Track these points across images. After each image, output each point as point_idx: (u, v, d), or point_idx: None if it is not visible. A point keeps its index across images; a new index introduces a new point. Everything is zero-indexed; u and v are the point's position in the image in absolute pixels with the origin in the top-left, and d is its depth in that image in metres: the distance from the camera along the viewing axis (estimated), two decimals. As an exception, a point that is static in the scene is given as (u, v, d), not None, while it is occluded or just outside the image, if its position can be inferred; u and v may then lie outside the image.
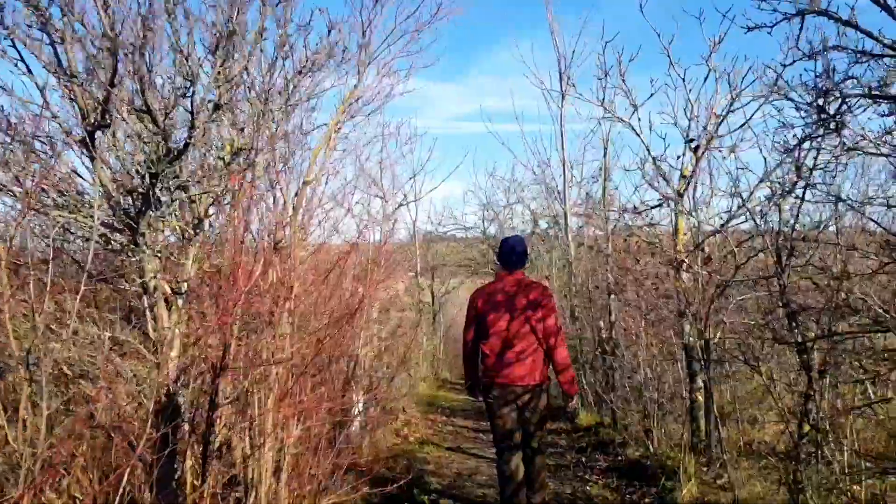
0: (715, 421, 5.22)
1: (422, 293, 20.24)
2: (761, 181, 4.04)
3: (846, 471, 4.00)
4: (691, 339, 5.71)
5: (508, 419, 4.35)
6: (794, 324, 3.64)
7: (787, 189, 3.84)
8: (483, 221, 20.02)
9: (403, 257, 18.96)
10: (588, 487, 5.85)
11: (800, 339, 3.37)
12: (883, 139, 3.10)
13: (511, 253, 4.50)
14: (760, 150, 4.16)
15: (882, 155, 3.10)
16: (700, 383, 5.67)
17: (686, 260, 5.34)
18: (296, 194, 4.42)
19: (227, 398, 3.76)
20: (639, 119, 6.02)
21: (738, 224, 5.38)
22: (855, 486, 4.03)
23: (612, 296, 7.80)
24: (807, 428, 3.51)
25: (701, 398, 5.63)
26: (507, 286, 4.43)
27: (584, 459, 6.89)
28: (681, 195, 5.74)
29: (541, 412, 4.38)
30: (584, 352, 9.27)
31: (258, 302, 3.91)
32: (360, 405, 8.02)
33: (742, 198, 4.20)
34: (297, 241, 4.56)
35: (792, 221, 3.80)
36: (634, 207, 6.31)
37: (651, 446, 6.31)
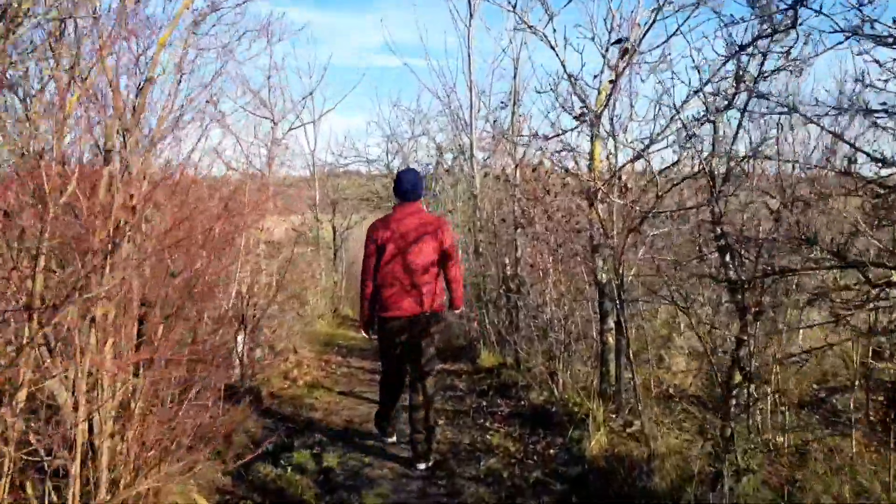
0: (627, 363, 4.78)
1: (322, 228, 19.25)
2: (695, 93, 3.45)
3: (769, 423, 3.61)
4: (605, 275, 5.22)
5: (399, 348, 4.57)
6: (728, 259, 3.15)
7: (725, 101, 3.28)
8: (387, 154, 19.13)
9: (300, 191, 17.95)
10: (489, 437, 5.35)
11: (742, 277, 2.85)
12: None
13: (407, 184, 4.62)
14: (693, 60, 3.55)
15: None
16: (611, 324, 5.21)
17: (602, 189, 4.78)
18: (137, 94, 3.51)
19: (39, 342, 2.93)
20: (554, 30, 5.32)
21: (660, 149, 4.85)
22: (779, 439, 3.66)
23: (519, 230, 7.25)
24: (738, 378, 3.04)
25: (612, 340, 5.18)
26: (404, 217, 4.53)
27: (484, 404, 6.40)
28: (598, 117, 5.15)
29: (434, 338, 4.63)
30: (488, 290, 8.76)
31: (86, 225, 3.07)
32: (240, 347, 7.25)
33: (675, 108, 3.61)
34: (143, 153, 3.70)
35: (730, 140, 3.27)
36: (545, 136, 5.68)
37: (556, 390, 5.87)
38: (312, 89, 7.91)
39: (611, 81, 4.85)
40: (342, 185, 21.61)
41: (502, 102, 7.34)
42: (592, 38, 5.32)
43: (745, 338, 3.01)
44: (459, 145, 10.00)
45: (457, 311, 4.97)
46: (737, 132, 3.27)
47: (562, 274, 5.95)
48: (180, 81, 3.68)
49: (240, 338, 7.16)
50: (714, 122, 3.43)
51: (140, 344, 3.58)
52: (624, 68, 4.33)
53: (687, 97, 3.58)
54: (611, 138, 5.07)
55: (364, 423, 5.83)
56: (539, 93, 5.51)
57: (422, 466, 4.64)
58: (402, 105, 20.93)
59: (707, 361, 3.51)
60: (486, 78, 16.18)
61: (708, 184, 3.25)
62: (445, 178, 16.04)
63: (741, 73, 3.21)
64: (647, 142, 4.42)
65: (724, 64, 3.19)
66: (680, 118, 3.50)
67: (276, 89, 9.08)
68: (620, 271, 4.45)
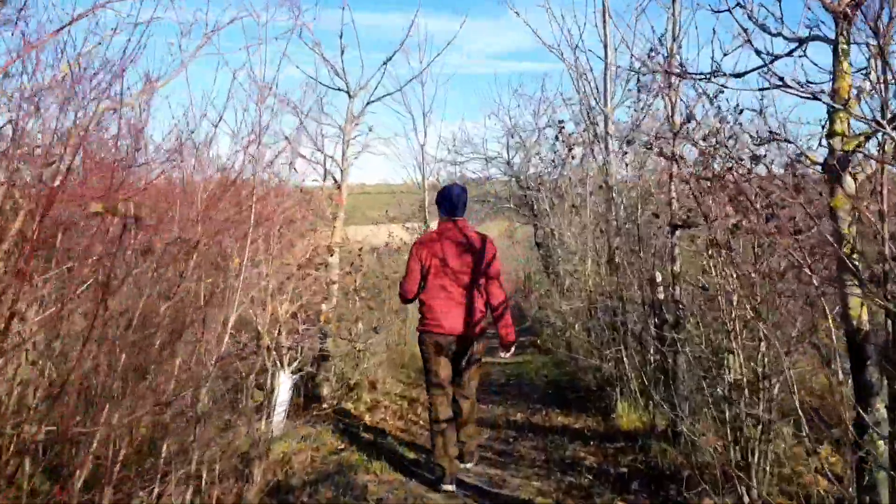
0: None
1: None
2: None
3: None
4: (864, 318, 2.75)
5: (445, 362, 4.50)
6: None
7: None
8: (507, 150, 16.82)
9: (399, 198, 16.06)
10: None
11: None
12: None
13: (456, 200, 4.56)
14: None
15: None
16: (881, 409, 2.73)
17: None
18: None
19: None
20: None
21: None
22: None
23: (678, 232, 4.82)
24: None
25: (883, 443, 2.70)
26: (451, 235, 4.51)
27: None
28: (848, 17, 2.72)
29: (476, 358, 4.58)
30: (628, 317, 6.34)
31: None
32: (285, 388, 5.30)
33: None
34: None
35: None
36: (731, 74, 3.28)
37: (748, 498, 3.45)
38: (395, 50, 5.95)
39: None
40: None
41: (653, 50, 4.95)
42: None
43: None
44: (589, 116, 7.58)
45: (507, 352, 4.73)
46: None
47: (765, 304, 3.49)
48: None
49: (283, 377, 5.21)
50: None
51: None
52: None
53: None
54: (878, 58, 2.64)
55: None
56: (716, 12, 3.13)
57: (448, 487, 4.36)
58: (524, 93, 18.25)
59: None
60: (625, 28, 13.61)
61: None
62: (573, 176, 13.68)
63: None
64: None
65: None
66: None
67: (350, 50, 7.01)
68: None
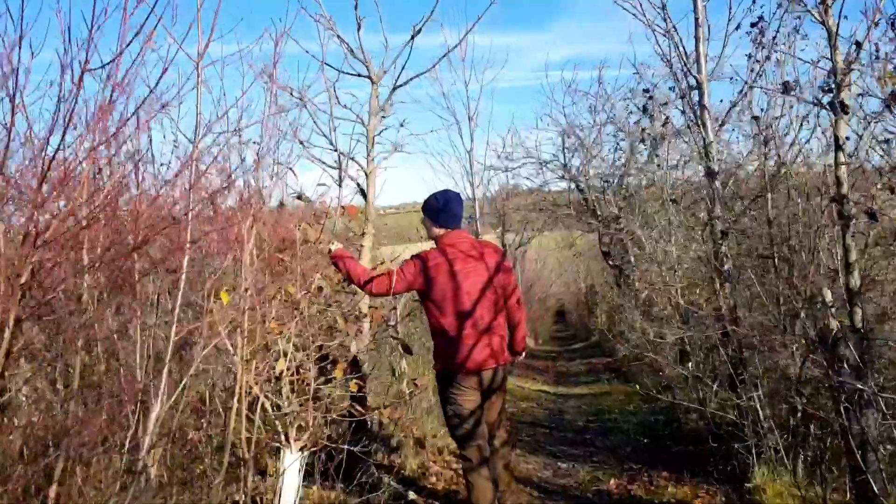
0: None
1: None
2: None
3: None
4: None
5: (474, 409, 3.74)
6: None
7: None
8: (563, 153, 15.11)
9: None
10: None
11: None
12: None
13: (458, 208, 3.90)
14: None
15: None
16: None
17: None
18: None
19: None
20: None
21: None
22: None
23: (851, 226, 3.19)
24: None
25: None
26: (461, 248, 3.79)
27: None
28: None
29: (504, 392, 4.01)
30: (752, 343, 4.69)
31: None
32: (291, 473, 3.86)
33: None
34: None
35: None
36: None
37: None
38: (426, 17, 4.71)
39: None
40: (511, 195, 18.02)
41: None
42: None
43: None
44: (680, 87, 5.94)
45: (520, 357, 4.17)
46: None
47: None
48: None
49: (288, 457, 3.76)
50: None
51: None
52: None
53: None
54: None
55: None
56: None
57: None
58: (578, 88, 16.42)
59: None
60: None
61: None
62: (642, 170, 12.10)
63: None
64: None
65: None
66: None
67: (369, 30, 5.59)
68: None
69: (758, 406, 4.25)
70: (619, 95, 13.89)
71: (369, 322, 4.97)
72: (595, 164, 14.68)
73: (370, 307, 4.62)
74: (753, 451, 4.35)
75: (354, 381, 4.49)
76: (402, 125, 5.80)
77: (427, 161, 19.12)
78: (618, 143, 14.66)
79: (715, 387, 5.63)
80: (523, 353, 4.14)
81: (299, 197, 3.81)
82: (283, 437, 3.67)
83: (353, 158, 5.27)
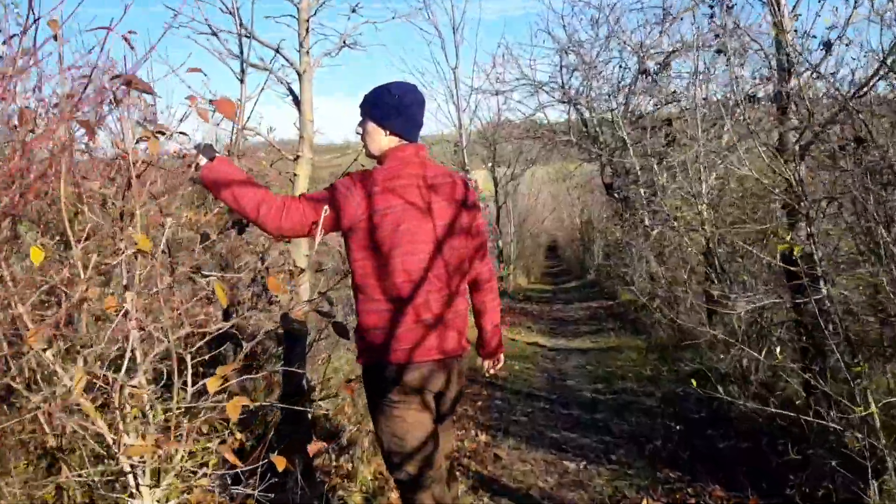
0: None
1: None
2: None
3: None
4: None
5: (426, 423, 2.35)
6: None
7: None
8: (561, 72, 13.29)
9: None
10: None
11: None
12: None
13: (414, 108, 2.39)
14: None
15: None
16: None
17: None
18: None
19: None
20: None
21: None
22: None
23: None
24: None
25: None
26: (417, 171, 2.33)
27: None
28: None
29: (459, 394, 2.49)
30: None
31: None
32: None
33: None
34: None
35: None
36: None
37: None
38: None
39: None
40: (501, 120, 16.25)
41: None
42: None
43: None
44: None
45: (496, 364, 2.72)
46: None
47: None
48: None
49: None
50: None
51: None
52: None
53: None
54: None
55: None
56: None
57: None
58: None
59: None
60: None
61: None
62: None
63: None
64: None
65: None
66: None
67: None
68: None
69: (876, 414, 2.81)
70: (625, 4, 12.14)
71: (296, 283, 3.51)
72: (597, 85, 12.99)
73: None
74: (872, 475, 2.93)
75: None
76: (353, 10, 4.20)
77: (400, 73, 17.18)
78: (623, 61, 12.95)
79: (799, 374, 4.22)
80: (498, 359, 2.73)
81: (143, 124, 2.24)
82: (130, 483, 2.23)
83: (276, 50, 3.70)
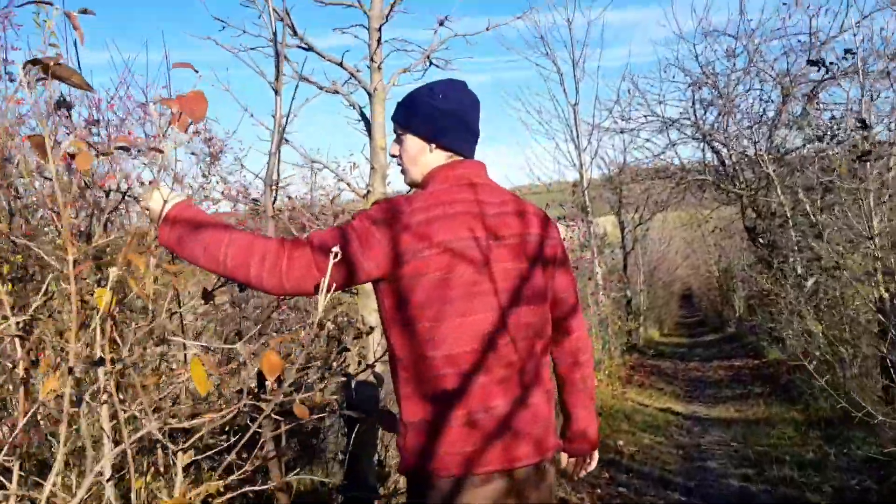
0: None
1: (596, 226, 13.01)
2: None
3: None
4: None
5: None
6: None
7: None
8: (693, 107, 12.15)
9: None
10: None
11: None
12: None
13: (472, 112, 1.71)
14: None
15: None
16: None
17: None
18: None
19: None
20: None
21: None
22: None
23: None
24: None
25: None
26: (472, 199, 1.62)
27: None
28: None
29: None
30: None
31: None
32: None
33: None
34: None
35: None
36: None
37: None
38: None
39: None
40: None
41: None
42: None
43: None
44: None
45: (585, 466, 1.89)
46: None
47: None
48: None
49: None
50: None
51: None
52: None
53: None
54: None
55: None
56: None
57: None
58: (713, 27, 12.74)
59: None
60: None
61: None
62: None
63: None
64: None
65: None
66: None
67: None
68: None
69: None
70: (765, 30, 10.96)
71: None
72: (735, 120, 11.78)
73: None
74: None
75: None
76: (441, 23, 3.60)
77: (515, 112, 16.55)
78: (765, 93, 11.71)
79: None
80: (588, 459, 1.89)
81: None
82: None
83: (333, 60, 3.15)
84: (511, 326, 1.57)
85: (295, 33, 2.90)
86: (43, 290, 1.58)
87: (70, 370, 1.44)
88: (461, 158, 1.66)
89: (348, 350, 2.82)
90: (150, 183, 1.54)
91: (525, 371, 1.61)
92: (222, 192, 6.21)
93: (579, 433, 1.85)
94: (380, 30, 3.15)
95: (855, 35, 7.20)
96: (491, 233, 1.58)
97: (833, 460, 5.00)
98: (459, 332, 1.52)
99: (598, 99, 24.75)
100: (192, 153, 5.78)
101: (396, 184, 4.79)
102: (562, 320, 1.78)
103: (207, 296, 1.82)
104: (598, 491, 4.69)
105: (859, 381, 5.91)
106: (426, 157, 1.66)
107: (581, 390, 1.84)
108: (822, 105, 10.77)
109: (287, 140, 2.87)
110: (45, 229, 2.11)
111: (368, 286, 2.07)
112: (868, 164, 5.14)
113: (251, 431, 1.73)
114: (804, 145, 10.13)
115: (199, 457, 1.80)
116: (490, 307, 1.54)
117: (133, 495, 1.54)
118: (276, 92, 2.33)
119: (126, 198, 1.76)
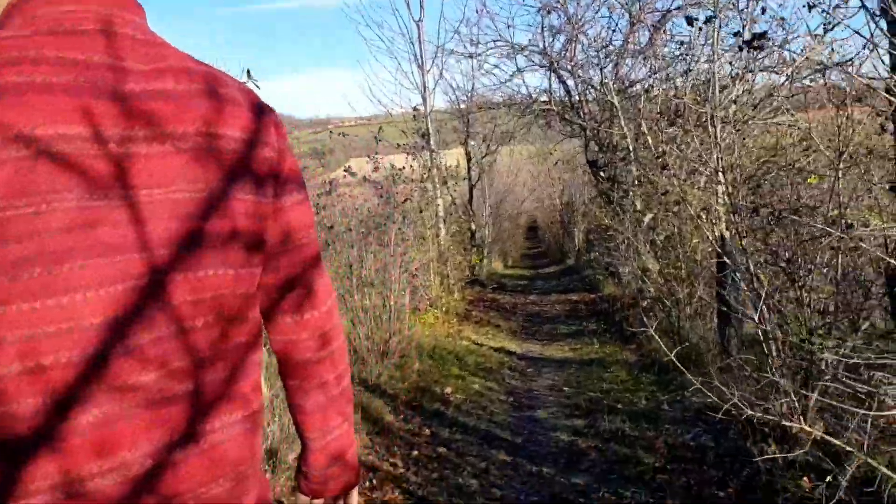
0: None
1: (442, 157, 12.32)
2: None
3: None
4: None
5: None
6: None
7: None
8: (542, 34, 11.58)
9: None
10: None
11: None
12: None
13: None
14: None
15: None
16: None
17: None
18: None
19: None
20: None
21: None
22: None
23: None
24: None
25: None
26: (109, 61, 0.73)
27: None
28: None
29: None
30: None
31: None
32: None
33: None
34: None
35: None
36: None
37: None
38: None
39: None
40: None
41: None
42: None
43: None
44: None
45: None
46: None
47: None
48: None
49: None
50: None
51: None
52: None
53: None
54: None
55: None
56: None
57: None
58: None
59: None
60: None
61: None
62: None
63: None
64: None
65: None
66: None
67: None
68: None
69: None
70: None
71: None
72: (582, 48, 11.36)
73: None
74: None
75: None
76: None
77: (356, 29, 15.38)
78: (613, 21, 11.38)
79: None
80: (351, 496, 1.11)
81: None
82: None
83: None
84: (170, 305, 0.76)
85: None
86: None
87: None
88: None
89: None
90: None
91: (201, 384, 0.80)
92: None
93: (332, 458, 1.06)
94: None
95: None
96: (133, 124, 0.75)
97: (667, 409, 4.68)
98: (43, 325, 0.68)
99: (443, 17, 23.86)
100: None
101: None
102: (296, 284, 0.97)
103: None
104: (415, 452, 4.09)
105: (693, 322, 5.67)
106: None
107: (333, 393, 1.05)
108: (670, 35, 10.58)
109: None
110: None
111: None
112: (718, 91, 4.69)
113: None
114: (650, 76, 9.89)
115: None
116: (122, 272, 0.73)
117: None
118: None
119: None
